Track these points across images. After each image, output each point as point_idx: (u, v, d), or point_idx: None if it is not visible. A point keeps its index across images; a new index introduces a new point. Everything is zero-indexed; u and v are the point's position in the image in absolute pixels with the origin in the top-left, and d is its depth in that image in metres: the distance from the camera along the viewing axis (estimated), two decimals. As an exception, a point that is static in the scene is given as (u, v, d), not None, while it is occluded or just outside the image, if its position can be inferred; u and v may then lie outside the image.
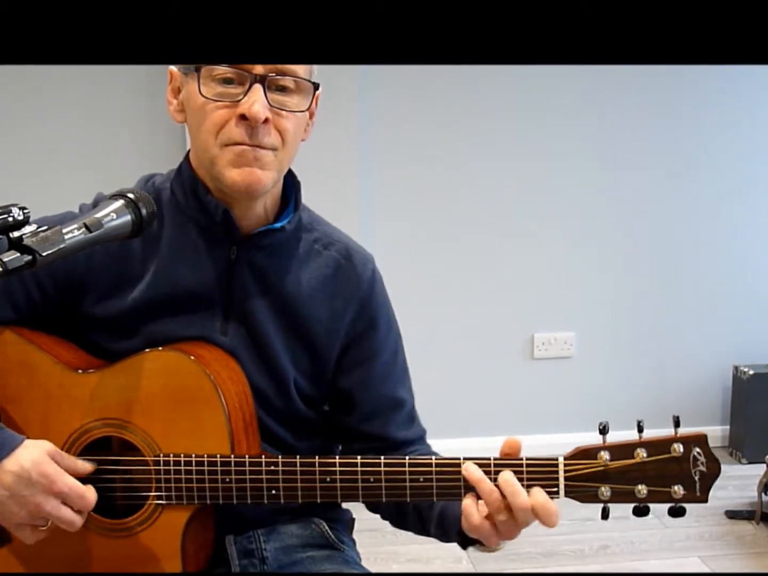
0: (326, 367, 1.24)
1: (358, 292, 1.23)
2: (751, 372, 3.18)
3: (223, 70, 1.06)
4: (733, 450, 3.30)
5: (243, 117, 1.06)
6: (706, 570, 2.48)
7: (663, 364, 3.33)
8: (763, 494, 2.72)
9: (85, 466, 1.09)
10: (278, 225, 1.18)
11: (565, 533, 2.61)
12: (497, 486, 1.02)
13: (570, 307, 3.25)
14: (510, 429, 3.23)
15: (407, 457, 1.06)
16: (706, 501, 1.02)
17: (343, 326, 1.23)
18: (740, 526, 2.73)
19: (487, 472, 1.03)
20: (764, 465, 2.71)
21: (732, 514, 2.76)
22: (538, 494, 1.01)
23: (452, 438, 2.99)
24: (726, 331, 3.34)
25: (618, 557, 2.55)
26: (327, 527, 1.27)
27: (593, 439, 1.07)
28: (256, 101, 1.05)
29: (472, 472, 1.03)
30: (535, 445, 2.99)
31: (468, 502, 1.04)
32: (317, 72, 1.14)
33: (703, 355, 3.34)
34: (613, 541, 2.61)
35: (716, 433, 3.35)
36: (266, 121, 1.07)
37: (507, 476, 1.02)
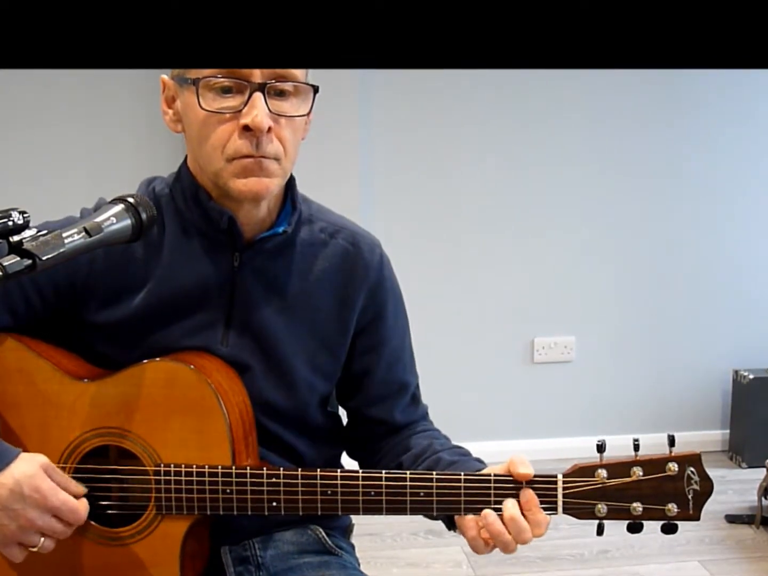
0: (341, 361, 1.23)
1: (368, 280, 1.23)
2: (751, 376, 3.18)
3: (220, 79, 1.05)
4: (733, 454, 3.30)
5: (246, 128, 1.05)
6: (706, 574, 2.47)
7: (663, 368, 3.33)
8: (763, 498, 2.72)
9: (78, 488, 1.07)
10: (281, 229, 1.17)
11: (566, 537, 2.60)
12: (503, 521, 1.03)
13: (570, 312, 3.25)
14: (510, 433, 3.24)
15: (408, 472, 1.07)
16: (698, 519, 1.05)
17: (354, 315, 1.22)
18: (740, 530, 2.72)
19: (486, 488, 1.05)
20: (764, 469, 2.70)
21: (732, 519, 2.76)
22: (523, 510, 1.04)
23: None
24: (726, 336, 3.34)
25: (618, 561, 2.54)
26: (323, 533, 1.27)
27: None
28: (259, 111, 1.05)
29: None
30: (535, 450, 3.01)
31: (474, 536, 1.06)
32: (314, 76, 1.13)
33: (702, 360, 3.34)
34: (613, 546, 2.60)
35: (716, 437, 3.35)
36: (269, 129, 1.06)
37: (513, 513, 1.03)
